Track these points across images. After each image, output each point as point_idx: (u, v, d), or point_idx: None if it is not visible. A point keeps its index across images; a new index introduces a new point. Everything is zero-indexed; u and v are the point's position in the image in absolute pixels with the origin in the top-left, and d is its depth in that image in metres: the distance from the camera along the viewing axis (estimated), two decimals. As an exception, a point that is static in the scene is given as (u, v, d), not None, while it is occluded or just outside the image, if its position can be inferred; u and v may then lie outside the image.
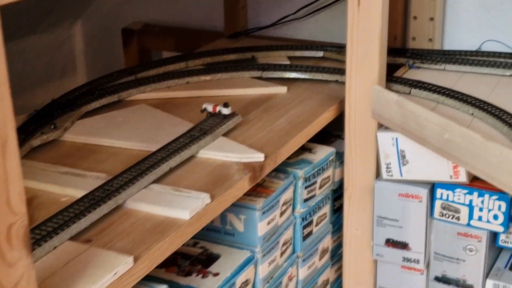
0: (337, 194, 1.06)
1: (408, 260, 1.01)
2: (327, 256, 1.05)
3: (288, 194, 0.91)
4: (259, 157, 0.81)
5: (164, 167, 0.78)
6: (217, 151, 0.82)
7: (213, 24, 1.41)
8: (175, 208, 0.72)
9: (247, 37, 1.34)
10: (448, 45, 1.24)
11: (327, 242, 1.04)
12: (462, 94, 0.98)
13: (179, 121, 0.93)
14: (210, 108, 0.88)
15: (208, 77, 1.06)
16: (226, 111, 0.87)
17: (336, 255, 1.09)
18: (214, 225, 0.87)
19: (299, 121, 0.94)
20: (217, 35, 1.36)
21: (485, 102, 0.95)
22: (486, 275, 0.98)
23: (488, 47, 1.20)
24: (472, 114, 0.93)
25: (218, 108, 0.87)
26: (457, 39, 1.23)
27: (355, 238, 1.04)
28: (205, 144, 0.84)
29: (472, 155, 0.80)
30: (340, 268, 1.09)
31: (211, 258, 0.84)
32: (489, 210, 0.95)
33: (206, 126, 0.86)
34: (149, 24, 1.47)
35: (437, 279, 1.01)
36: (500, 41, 1.19)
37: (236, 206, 0.85)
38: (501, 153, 0.76)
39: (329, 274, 1.07)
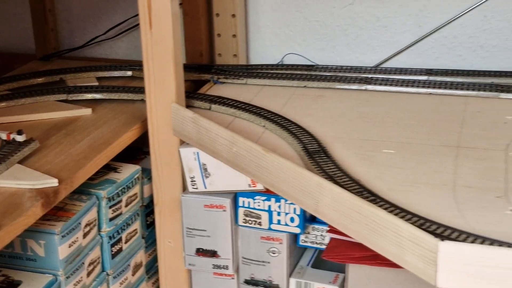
0: (149, 209, 1.09)
1: (218, 266, 1.06)
2: (141, 271, 1.08)
3: (91, 215, 0.93)
4: (52, 182, 0.83)
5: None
6: (9, 180, 0.83)
7: (26, 46, 1.40)
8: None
9: (60, 58, 1.35)
10: (254, 60, 1.32)
11: (140, 257, 1.07)
12: (256, 107, 1.05)
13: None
14: (4, 136, 0.89)
15: (3, 104, 1.06)
16: (20, 138, 0.88)
17: (153, 268, 1.13)
18: (16, 252, 0.88)
19: (100, 143, 0.97)
20: (30, 58, 1.36)
21: (276, 114, 1.02)
22: (290, 274, 1.05)
23: (290, 60, 1.29)
24: (264, 126, 1.00)
25: (12, 136, 0.88)
26: (261, 53, 1.31)
27: (169, 250, 1.08)
28: (-1, 173, 0.84)
29: (256, 166, 0.86)
30: (157, 281, 1.13)
31: (13, 285, 0.85)
32: (286, 214, 1.02)
33: (0, 155, 0.87)
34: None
35: (247, 282, 1.07)
36: (299, 54, 1.29)
37: (36, 232, 0.86)
38: (279, 164, 0.82)
39: (145, 288, 1.10)
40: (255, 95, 1.13)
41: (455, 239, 0.67)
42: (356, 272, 0.99)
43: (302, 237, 1.06)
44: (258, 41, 1.30)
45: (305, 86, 1.15)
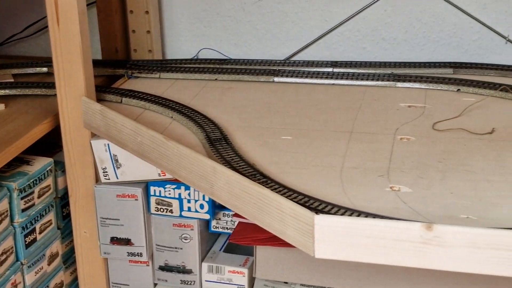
0: (65, 201, 1.12)
1: (133, 254, 1.10)
2: (57, 261, 1.11)
3: (2, 206, 0.96)
4: None
5: None
6: None
7: None
8: None
9: (-22, 57, 1.36)
10: (170, 55, 1.36)
11: (56, 247, 1.10)
12: (166, 99, 1.09)
13: None
14: None
15: None
16: None
17: (70, 258, 1.16)
18: None
19: (11, 136, 1.00)
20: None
21: (184, 106, 1.06)
22: (202, 259, 1.10)
23: (205, 54, 1.34)
24: (172, 117, 1.04)
25: None
26: (176, 49, 1.36)
27: (85, 240, 1.11)
28: None
29: (158, 154, 0.91)
30: (75, 271, 1.16)
31: None
32: (196, 201, 1.07)
33: None
34: None
35: (161, 268, 1.12)
36: (214, 49, 1.33)
37: None
38: (179, 151, 0.87)
39: (62, 277, 1.13)
40: (167, 88, 1.17)
41: (329, 213, 0.73)
42: (263, 254, 1.04)
43: (213, 223, 1.11)
44: (173, 37, 1.35)
45: (216, 79, 1.20)
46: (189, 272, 1.10)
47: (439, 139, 0.94)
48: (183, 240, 1.09)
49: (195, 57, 1.33)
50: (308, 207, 0.74)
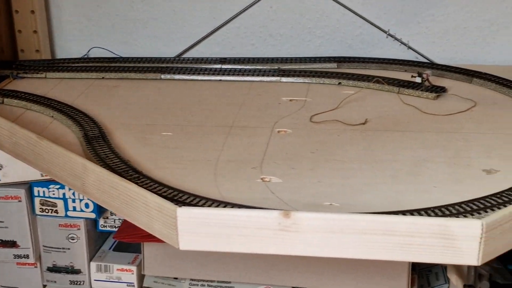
0: None
1: (19, 256, 1.09)
2: None
3: None
4: None
5: None
6: None
7: None
8: None
9: None
10: (60, 55, 1.34)
11: None
12: (48, 99, 1.08)
13: None
14: None
15: None
16: None
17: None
18: None
19: None
20: None
21: (66, 105, 1.06)
22: (91, 259, 1.10)
23: (96, 53, 1.33)
24: (52, 116, 1.03)
25: None
26: (66, 48, 1.34)
27: (-31, 245, 1.09)
28: None
29: (33, 153, 0.90)
30: (-39, 276, 1.13)
31: None
32: (81, 200, 1.06)
33: None
34: None
35: (50, 269, 1.10)
36: (104, 47, 1.32)
37: None
38: (52, 150, 0.86)
39: None
40: (52, 88, 1.16)
41: (196, 205, 0.74)
42: (150, 250, 1.05)
43: (101, 222, 1.11)
44: (62, 36, 1.33)
45: (103, 78, 1.20)
46: (77, 272, 1.10)
47: (314, 131, 0.97)
48: (70, 240, 1.08)
49: (85, 56, 1.32)
50: (176, 201, 0.75)
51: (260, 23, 1.28)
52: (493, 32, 1.22)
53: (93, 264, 1.08)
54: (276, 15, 1.27)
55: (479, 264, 0.67)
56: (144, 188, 0.77)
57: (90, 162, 0.81)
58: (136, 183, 0.78)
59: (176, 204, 0.71)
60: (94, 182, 0.80)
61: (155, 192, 0.77)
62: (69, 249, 1.09)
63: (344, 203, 0.77)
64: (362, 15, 1.25)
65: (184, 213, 0.70)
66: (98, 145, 0.91)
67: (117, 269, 1.07)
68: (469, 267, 0.99)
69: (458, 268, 1.00)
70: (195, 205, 0.75)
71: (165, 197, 0.76)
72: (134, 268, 1.07)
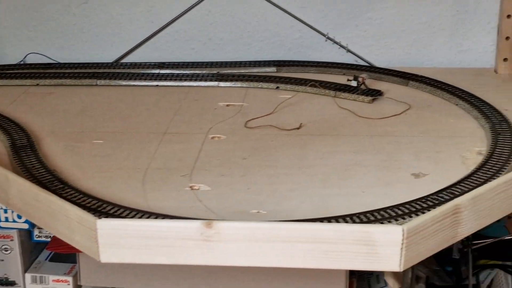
0: None
1: (-50, 270, 1.06)
2: None
3: None
4: None
5: None
6: None
7: None
8: None
9: None
10: (-2, 61, 1.32)
11: None
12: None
13: None
14: None
15: None
16: None
17: None
18: None
19: None
20: None
21: (-4, 113, 1.03)
22: (26, 270, 1.07)
23: (33, 59, 1.30)
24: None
25: None
26: (2, 54, 1.31)
27: None
28: None
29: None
30: None
31: None
32: (13, 211, 1.04)
33: None
34: None
35: (-17, 282, 1.08)
36: (41, 53, 1.30)
37: None
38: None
39: None
40: (-15, 96, 1.13)
41: (119, 216, 0.72)
42: (86, 260, 1.03)
43: (36, 232, 1.08)
44: (-2, 42, 1.31)
45: (38, 84, 1.17)
46: (12, 284, 1.07)
47: (248, 136, 0.96)
48: (3, 251, 1.06)
49: (22, 62, 1.29)
50: (99, 212, 0.74)
51: (199, 27, 1.27)
52: (430, 34, 1.23)
53: (28, 276, 1.06)
54: (215, 19, 1.26)
55: (401, 270, 0.66)
56: (68, 199, 0.76)
57: (12, 173, 0.79)
58: (60, 194, 0.77)
59: (98, 215, 0.70)
60: (17, 194, 0.78)
61: (78, 203, 0.75)
62: (2, 260, 1.06)
63: (271, 210, 0.76)
64: (301, 19, 1.25)
65: (104, 225, 0.68)
66: (25, 155, 0.88)
67: (53, 280, 1.05)
68: (405, 269, 0.99)
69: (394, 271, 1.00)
70: (119, 215, 0.74)
71: (89, 208, 0.74)
72: (70, 278, 1.05)
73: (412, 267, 1.04)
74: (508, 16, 1.13)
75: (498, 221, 1.16)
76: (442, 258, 1.10)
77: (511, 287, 1.06)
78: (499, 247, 1.08)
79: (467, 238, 1.04)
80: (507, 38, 1.14)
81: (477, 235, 1.08)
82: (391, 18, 1.23)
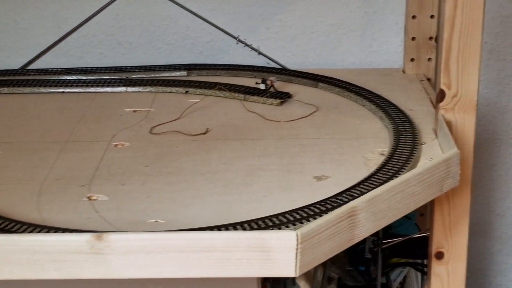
0: None
1: None
2: None
3: None
4: None
5: None
6: None
7: None
8: None
9: None
10: None
11: None
12: None
13: None
14: None
15: None
16: None
17: None
18: None
19: None
20: None
21: None
22: None
23: None
24: None
25: None
26: None
27: None
28: None
29: None
30: None
31: None
32: None
33: None
34: None
35: None
36: None
37: None
38: None
39: None
40: None
41: (5, 229, 0.70)
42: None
43: None
44: None
45: None
46: None
47: (153, 143, 0.94)
48: None
49: None
50: (-13, 227, 0.71)
51: (107, 31, 1.24)
52: (340, 35, 1.23)
53: None
54: (124, 23, 1.24)
55: (297, 275, 0.66)
56: (-45, 215, 0.73)
57: None
58: None
59: (-17, 232, 0.67)
60: None
61: (-35, 219, 0.72)
62: None
63: (170, 219, 0.75)
64: (211, 22, 1.23)
65: (-11, 241, 0.65)
66: None
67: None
68: (315, 271, 0.99)
69: (305, 272, 1.00)
70: (9, 230, 0.71)
71: (-25, 224, 0.71)
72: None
73: (324, 268, 1.05)
74: (413, 17, 1.14)
75: (409, 218, 1.18)
76: (355, 258, 1.10)
77: (421, 285, 1.08)
78: (410, 245, 1.09)
79: (378, 237, 1.05)
80: (413, 38, 1.15)
81: (388, 233, 1.10)
82: (301, 20, 1.23)
